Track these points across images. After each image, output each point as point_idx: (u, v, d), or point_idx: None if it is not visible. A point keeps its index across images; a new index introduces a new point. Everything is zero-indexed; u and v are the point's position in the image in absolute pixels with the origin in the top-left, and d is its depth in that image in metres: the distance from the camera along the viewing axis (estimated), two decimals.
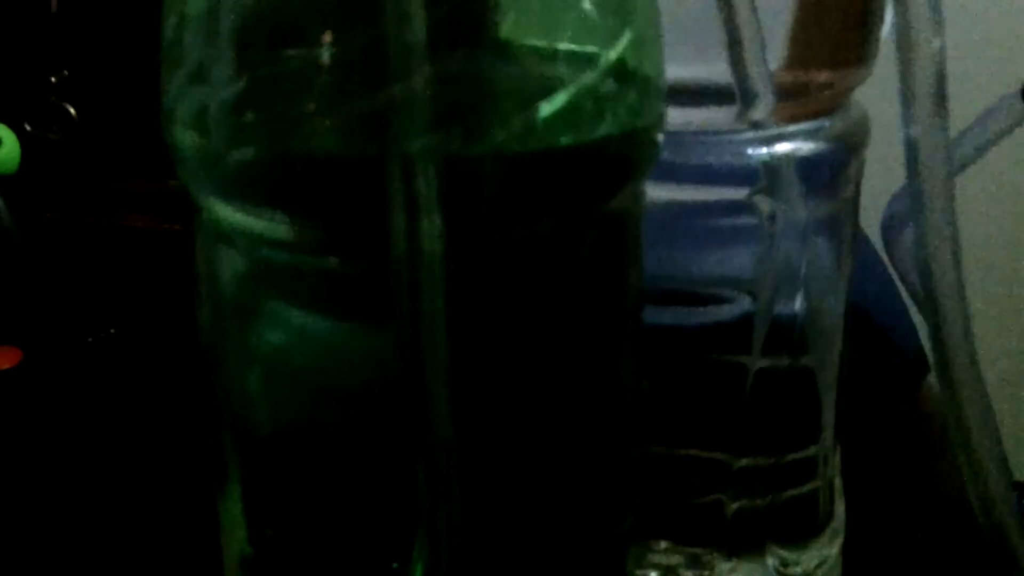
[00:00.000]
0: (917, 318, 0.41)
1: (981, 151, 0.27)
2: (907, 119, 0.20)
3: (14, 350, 0.42)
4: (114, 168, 0.53)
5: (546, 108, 0.19)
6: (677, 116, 0.26)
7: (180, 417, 0.36)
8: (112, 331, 0.44)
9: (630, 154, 0.20)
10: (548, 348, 0.21)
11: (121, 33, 0.52)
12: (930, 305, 0.21)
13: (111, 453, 0.37)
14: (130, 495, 0.35)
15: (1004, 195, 0.82)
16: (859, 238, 0.33)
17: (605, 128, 0.20)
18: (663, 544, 0.30)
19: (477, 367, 0.20)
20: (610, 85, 0.20)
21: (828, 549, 0.30)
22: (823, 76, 0.27)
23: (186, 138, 0.20)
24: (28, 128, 0.52)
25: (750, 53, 0.24)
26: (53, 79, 0.53)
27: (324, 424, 0.21)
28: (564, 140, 0.19)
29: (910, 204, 0.20)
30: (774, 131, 0.26)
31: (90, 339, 0.44)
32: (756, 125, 0.25)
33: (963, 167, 0.27)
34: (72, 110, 0.53)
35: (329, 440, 0.21)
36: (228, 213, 0.20)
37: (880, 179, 0.30)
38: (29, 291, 0.46)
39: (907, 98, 0.20)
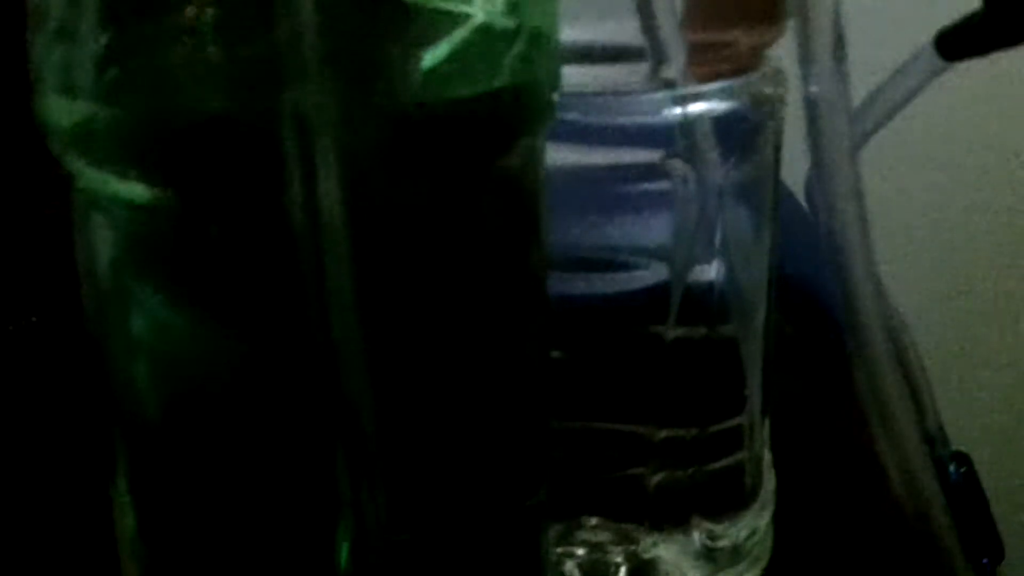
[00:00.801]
0: None
1: (897, 109, 0.26)
2: (806, 78, 0.19)
3: None
4: (38, 156, 0.51)
5: (429, 59, 0.18)
6: (588, 75, 0.25)
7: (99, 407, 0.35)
8: (33, 319, 0.43)
9: (523, 107, 0.20)
10: (452, 313, 0.20)
11: None
12: (839, 274, 0.20)
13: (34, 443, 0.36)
14: (55, 482, 0.34)
15: (1008, 194, 0.80)
16: (796, 207, 0.33)
17: (494, 81, 0.19)
18: (593, 520, 0.29)
19: (382, 340, 0.19)
20: (497, 37, 0.19)
21: (756, 521, 0.30)
22: (734, 33, 0.26)
23: (53, 101, 0.19)
24: None
25: (660, 10, 0.24)
26: None
27: (211, 414, 0.20)
28: (452, 92, 0.19)
29: (813, 168, 0.19)
30: (687, 90, 0.25)
31: (11, 327, 0.42)
32: (668, 84, 0.25)
33: (879, 127, 0.26)
34: None
35: (217, 430, 0.20)
36: (101, 181, 0.19)
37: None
38: None
39: (805, 55, 0.19)
